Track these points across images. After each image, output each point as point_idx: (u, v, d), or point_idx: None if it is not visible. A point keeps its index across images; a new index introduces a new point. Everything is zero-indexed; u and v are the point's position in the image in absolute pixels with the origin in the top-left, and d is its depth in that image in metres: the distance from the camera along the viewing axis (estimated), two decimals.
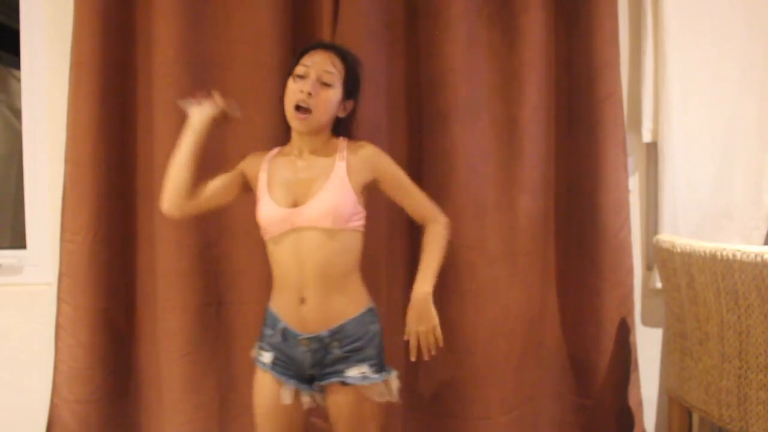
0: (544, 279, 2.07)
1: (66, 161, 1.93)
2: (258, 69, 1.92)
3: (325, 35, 1.93)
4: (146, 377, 2.01)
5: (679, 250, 1.80)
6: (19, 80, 2.08)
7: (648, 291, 2.19)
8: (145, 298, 1.99)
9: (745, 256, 1.54)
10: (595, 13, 1.97)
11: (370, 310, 1.53)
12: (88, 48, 1.90)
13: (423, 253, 1.54)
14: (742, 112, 2.09)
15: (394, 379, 1.52)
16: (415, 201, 1.58)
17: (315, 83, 1.46)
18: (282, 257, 1.48)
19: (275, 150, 1.60)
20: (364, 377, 1.46)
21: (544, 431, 2.07)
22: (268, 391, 1.50)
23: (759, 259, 1.51)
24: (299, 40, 1.98)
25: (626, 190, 2.04)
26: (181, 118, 1.87)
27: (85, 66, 1.90)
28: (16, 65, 2.10)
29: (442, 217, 1.58)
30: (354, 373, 1.46)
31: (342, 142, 1.55)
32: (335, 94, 1.50)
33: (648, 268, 2.19)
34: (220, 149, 1.89)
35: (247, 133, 1.92)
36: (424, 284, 1.50)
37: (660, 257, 1.96)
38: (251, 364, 1.58)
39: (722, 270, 1.62)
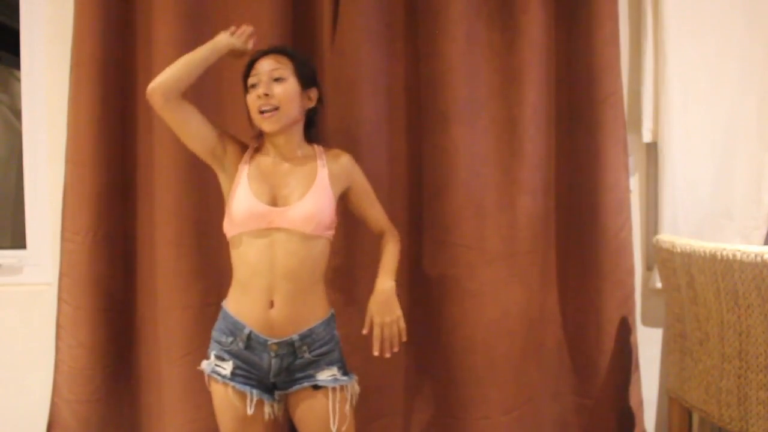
0: (545, 279, 2.07)
1: (66, 161, 1.94)
2: None
3: (325, 35, 1.93)
4: (146, 377, 2.01)
5: (679, 250, 1.79)
6: (19, 80, 2.08)
7: (648, 291, 2.19)
8: (145, 298, 2.00)
9: (745, 256, 1.54)
10: (595, 14, 1.97)
11: (333, 315, 1.56)
12: (89, 48, 1.90)
13: (383, 255, 1.61)
14: (742, 112, 2.09)
15: (355, 384, 1.54)
16: (377, 212, 1.66)
17: (268, 83, 1.48)
18: (252, 257, 1.44)
19: (251, 147, 1.60)
20: (335, 379, 1.47)
21: (544, 431, 2.07)
22: (232, 405, 1.45)
23: (759, 259, 1.51)
24: (299, 40, 1.98)
25: (626, 190, 2.04)
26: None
27: (86, 66, 1.90)
28: (17, 65, 2.10)
29: (395, 230, 1.68)
30: (325, 376, 1.46)
31: (318, 149, 1.59)
32: (291, 84, 1.50)
33: (648, 268, 2.19)
34: None
35: (247, 133, 1.92)
36: (386, 279, 1.54)
37: (660, 257, 1.96)
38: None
39: (722, 270, 1.62)
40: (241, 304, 1.46)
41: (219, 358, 1.47)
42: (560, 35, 2.04)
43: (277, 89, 1.47)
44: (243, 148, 1.57)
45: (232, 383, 1.44)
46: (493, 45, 1.99)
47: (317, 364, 1.47)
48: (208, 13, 1.93)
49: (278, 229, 1.44)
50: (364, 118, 1.90)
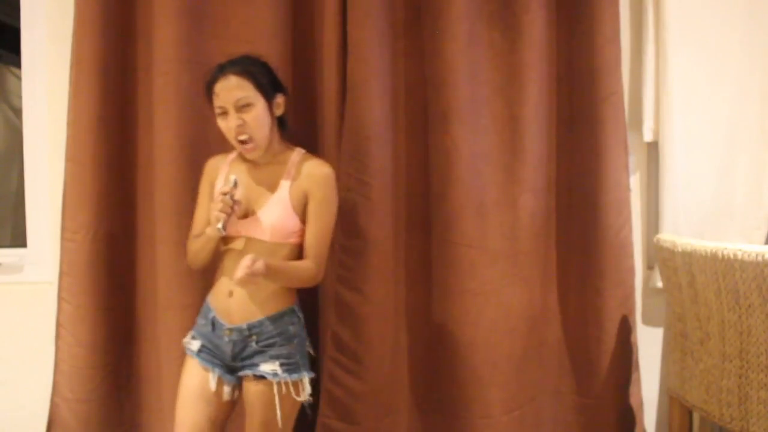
0: (545, 278, 2.06)
1: (67, 160, 1.93)
2: None
3: (329, 34, 1.93)
4: (146, 376, 2.01)
5: (680, 249, 1.79)
6: (19, 78, 2.08)
7: (649, 290, 2.19)
8: (145, 297, 2.00)
9: (746, 255, 1.54)
10: (596, 13, 1.97)
11: (291, 311, 1.60)
12: (89, 46, 1.90)
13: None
14: (744, 111, 2.09)
15: (305, 382, 1.57)
16: (316, 239, 1.59)
17: (235, 115, 1.51)
18: (226, 261, 1.58)
19: (234, 153, 1.64)
20: (274, 374, 1.53)
21: (545, 430, 2.07)
22: (194, 376, 1.58)
23: (760, 258, 1.51)
24: (300, 39, 1.98)
25: (627, 190, 2.04)
26: (181, 117, 1.88)
27: (86, 64, 1.90)
28: (17, 64, 2.10)
29: (321, 269, 1.61)
30: (266, 368, 1.53)
31: (296, 156, 1.61)
32: (260, 108, 1.53)
33: (649, 267, 2.19)
34: (221, 149, 1.89)
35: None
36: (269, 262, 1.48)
37: (661, 256, 1.96)
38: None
39: (723, 269, 1.62)
40: (214, 293, 1.61)
41: (192, 336, 1.62)
42: (561, 34, 2.04)
43: (248, 118, 1.51)
44: (216, 165, 1.67)
45: (197, 358, 1.58)
46: (494, 44, 1.99)
47: (262, 354, 1.54)
48: (209, 12, 1.93)
49: (240, 236, 1.56)
50: (375, 118, 1.90)
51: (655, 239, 2.01)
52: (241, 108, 1.50)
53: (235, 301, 1.55)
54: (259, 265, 1.39)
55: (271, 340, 1.55)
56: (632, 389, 2.06)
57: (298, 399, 1.55)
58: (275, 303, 1.57)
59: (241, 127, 1.50)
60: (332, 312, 1.92)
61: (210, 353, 1.58)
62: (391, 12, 1.96)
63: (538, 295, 2.05)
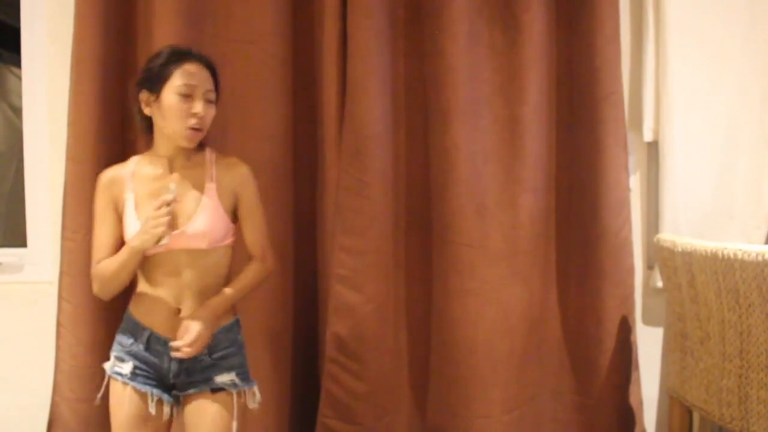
0: (545, 278, 2.07)
1: (67, 159, 1.93)
2: (259, 68, 1.92)
3: (329, 34, 1.93)
4: None
5: (680, 249, 1.79)
6: (19, 78, 2.08)
7: (649, 290, 2.19)
8: None
9: (746, 255, 1.54)
10: (596, 12, 1.97)
11: (237, 322, 1.54)
12: (89, 46, 1.89)
13: (234, 279, 1.51)
14: (744, 110, 2.09)
15: (256, 391, 1.53)
16: (256, 235, 1.54)
17: (202, 103, 1.42)
18: (156, 274, 1.45)
19: (131, 164, 1.50)
20: (233, 384, 1.48)
21: (545, 430, 2.07)
22: (129, 402, 1.45)
23: (760, 258, 1.51)
24: (300, 39, 1.98)
25: (627, 189, 2.04)
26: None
27: (86, 64, 1.90)
28: (17, 63, 2.10)
29: (271, 260, 1.56)
30: (223, 379, 1.47)
31: (210, 155, 1.51)
32: (214, 110, 1.47)
33: (649, 267, 2.19)
34: (221, 148, 1.89)
35: (247, 132, 1.92)
36: (206, 308, 1.44)
37: (661, 256, 1.96)
38: None
39: (723, 269, 1.62)
40: (146, 309, 1.47)
41: (119, 359, 1.48)
42: (561, 34, 2.04)
43: (208, 113, 1.44)
44: (115, 182, 1.47)
45: (132, 383, 1.45)
46: (494, 44, 1.99)
47: (216, 367, 1.48)
48: (208, 12, 1.92)
49: (173, 249, 1.42)
50: (375, 118, 1.90)
51: (655, 239, 2.01)
52: (207, 102, 1.43)
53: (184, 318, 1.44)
54: (202, 335, 1.38)
55: (224, 352, 1.48)
56: (632, 389, 2.06)
57: (251, 407, 1.51)
58: (225, 315, 1.50)
59: (201, 119, 1.42)
60: (332, 312, 1.92)
61: (145, 374, 1.46)
62: (392, 11, 1.96)
63: (538, 295, 2.05)
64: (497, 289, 1.97)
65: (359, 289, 1.91)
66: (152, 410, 1.44)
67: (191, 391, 1.47)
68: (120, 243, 1.45)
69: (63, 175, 1.94)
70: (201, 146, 1.51)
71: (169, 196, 1.37)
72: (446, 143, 1.93)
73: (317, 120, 2.01)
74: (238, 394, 1.48)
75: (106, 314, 1.95)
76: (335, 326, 1.92)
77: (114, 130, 1.94)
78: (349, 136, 1.90)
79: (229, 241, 1.50)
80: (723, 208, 2.10)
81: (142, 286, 1.49)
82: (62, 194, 1.94)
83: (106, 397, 1.50)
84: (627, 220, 2.03)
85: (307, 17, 1.99)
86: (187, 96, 1.41)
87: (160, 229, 1.36)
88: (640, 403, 2.08)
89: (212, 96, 1.45)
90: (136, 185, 1.46)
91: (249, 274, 1.52)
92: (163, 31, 1.88)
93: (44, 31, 2.04)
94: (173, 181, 1.42)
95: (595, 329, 2.02)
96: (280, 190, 1.95)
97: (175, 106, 1.41)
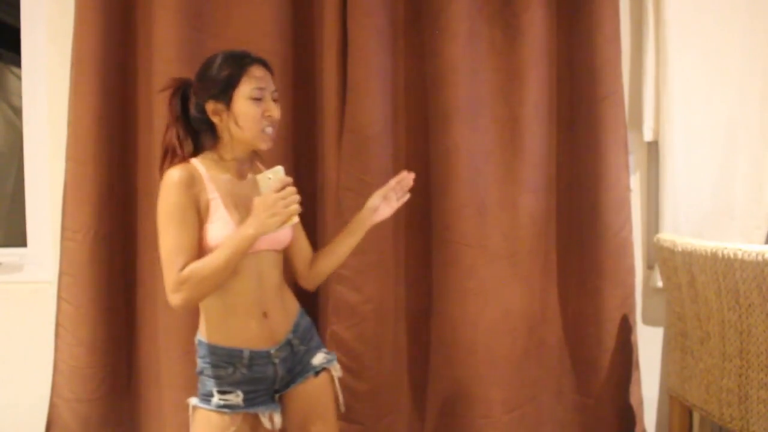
0: (545, 278, 2.06)
1: (67, 159, 1.93)
2: None
3: (329, 34, 1.93)
4: (146, 376, 2.01)
5: (680, 249, 1.79)
6: (19, 78, 2.08)
7: (649, 290, 2.19)
8: (145, 296, 1.99)
9: (746, 255, 1.54)
10: (596, 12, 1.97)
11: (303, 309, 1.58)
12: (89, 46, 1.90)
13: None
14: (744, 110, 2.09)
15: (337, 365, 1.57)
16: (305, 241, 1.63)
17: (273, 103, 1.42)
18: (240, 281, 1.39)
19: (198, 166, 1.40)
20: (329, 360, 1.54)
21: (545, 430, 2.07)
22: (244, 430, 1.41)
23: (760, 258, 1.51)
24: (300, 39, 1.98)
25: (627, 189, 2.04)
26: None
27: (86, 64, 1.90)
28: (17, 63, 2.10)
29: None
30: (320, 359, 1.52)
31: (258, 162, 1.56)
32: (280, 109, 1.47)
33: (649, 267, 2.19)
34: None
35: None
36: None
37: (661, 256, 1.96)
38: None
39: (723, 269, 1.62)
40: (235, 332, 1.41)
41: (222, 392, 1.40)
42: (561, 33, 2.04)
43: (278, 112, 1.43)
44: (192, 184, 1.36)
45: (244, 410, 1.40)
46: (494, 43, 1.99)
47: (309, 352, 1.52)
48: (209, 12, 1.93)
49: (260, 250, 1.41)
50: (375, 118, 1.90)
51: (655, 239, 2.01)
52: (275, 102, 1.43)
53: (273, 320, 1.45)
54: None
55: (307, 335, 1.53)
56: (632, 389, 2.06)
57: (337, 376, 1.56)
58: (294, 302, 1.55)
59: (273, 119, 1.42)
60: (331, 311, 1.92)
61: (254, 394, 1.42)
62: (392, 11, 1.96)
63: (538, 295, 2.05)
64: (497, 289, 1.97)
65: (359, 289, 1.91)
66: (269, 426, 1.42)
67: (295, 383, 1.50)
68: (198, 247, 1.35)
69: (63, 175, 1.94)
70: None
71: (289, 179, 1.32)
72: (447, 143, 1.93)
73: (317, 120, 2.01)
74: (335, 369, 1.54)
75: (105, 315, 1.95)
76: (334, 326, 1.92)
77: (114, 129, 1.95)
78: (349, 136, 1.90)
79: (286, 245, 1.53)
80: (723, 208, 2.10)
81: (216, 311, 1.41)
82: (62, 194, 1.95)
83: None
84: (627, 220, 2.03)
85: (308, 17, 1.99)
86: (259, 100, 1.40)
87: (294, 207, 1.29)
88: (641, 402, 2.08)
89: (276, 95, 1.44)
90: (218, 187, 1.39)
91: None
92: (162, 31, 1.88)
93: (44, 31, 2.04)
94: (274, 169, 1.33)
95: (595, 329, 2.02)
96: None
97: (250, 111, 1.39)
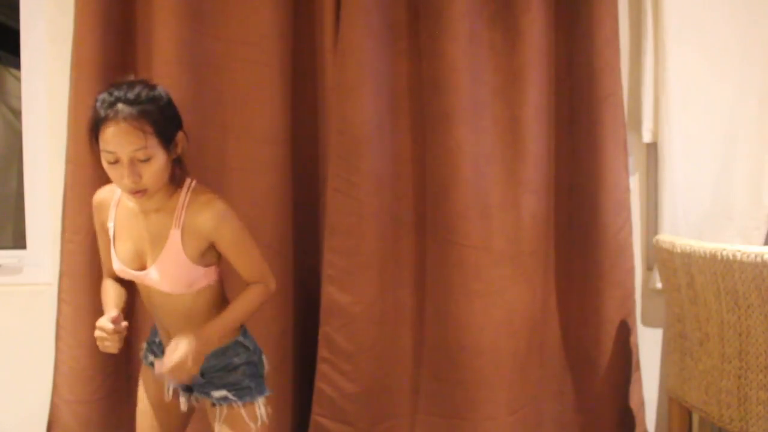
0: (547, 279, 2.07)
1: (67, 161, 1.93)
2: (258, 69, 1.92)
3: (327, 35, 1.93)
4: None
5: (679, 250, 1.79)
6: (19, 80, 2.08)
7: (648, 291, 2.19)
8: None
9: (745, 256, 1.54)
10: (595, 14, 1.98)
11: (235, 343, 1.48)
12: (89, 48, 1.89)
13: (229, 306, 1.45)
14: (743, 112, 2.09)
15: (259, 404, 1.48)
16: (248, 269, 1.45)
17: (132, 168, 1.26)
18: (144, 300, 1.50)
19: (115, 189, 1.42)
20: (226, 399, 1.46)
21: (546, 430, 2.07)
22: (150, 385, 1.55)
23: (759, 259, 1.51)
24: (300, 40, 1.98)
25: (627, 190, 2.04)
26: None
27: (86, 66, 1.90)
28: (17, 65, 2.10)
29: (272, 281, 1.47)
30: (217, 394, 1.47)
31: (184, 197, 1.37)
32: (159, 159, 1.28)
33: (648, 268, 2.19)
34: (221, 151, 1.90)
35: (247, 135, 1.92)
36: (204, 332, 1.38)
37: (660, 257, 1.96)
38: None
39: (722, 270, 1.62)
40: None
41: (149, 349, 1.56)
42: (561, 35, 2.04)
43: (146, 172, 1.26)
44: (103, 208, 1.45)
45: (152, 369, 1.50)
46: (494, 45, 1.99)
47: (211, 384, 1.47)
48: (208, 13, 1.92)
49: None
50: (366, 119, 1.90)
51: (654, 240, 2.01)
52: (140, 162, 1.26)
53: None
54: (187, 361, 1.31)
55: (217, 374, 1.46)
56: (632, 390, 2.06)
57: (250, 424, 1.45)
58: (223, 339, 1.46)
59: (137, 183, 1.27)
60: (323, 312, 1.92)
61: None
62: (391, 12, 1.96)
63: (540, 296, 2.05)
64: (502, 291, 1.97)
65: (348, 290, 1.91)
66: (167, 397, 1.50)
67: (200, 396, 1.51)
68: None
69: (63, 177, 1.94)
70: (181, 180, 1.39)
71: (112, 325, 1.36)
72: (449, 144, 1.93)
73: (317, 121, 2.01)
74: (237, 407, 1.46)
75: None
76: (326, 326, 1.92)
77: None
78: (337, 137, 1.89)
79: (202, 285, 1.41)
80: (722, 209, 2.11)
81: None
82: (62, 196, 1.95)
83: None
84: (626, 221, 2.03)
85: (307, 18, 1.99)
86: (114, 164, 1.27)
87: (104, 344, 1.39)
88: (641, 403, 2.09)
89: (143, 155, 1.25)
90: (118, 214, 1.42)
91: (249, 296, 1.44)
92: (162, 32, 1.88)
93: (44, 33, 2.03)
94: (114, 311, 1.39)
95: (594, 330, 2.02)
96: (280, 192, 1.95)
97: (109, 171, 1.29)
